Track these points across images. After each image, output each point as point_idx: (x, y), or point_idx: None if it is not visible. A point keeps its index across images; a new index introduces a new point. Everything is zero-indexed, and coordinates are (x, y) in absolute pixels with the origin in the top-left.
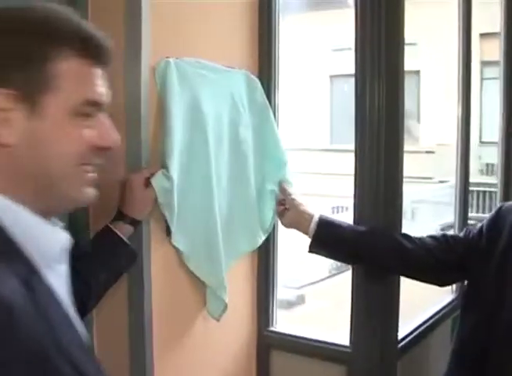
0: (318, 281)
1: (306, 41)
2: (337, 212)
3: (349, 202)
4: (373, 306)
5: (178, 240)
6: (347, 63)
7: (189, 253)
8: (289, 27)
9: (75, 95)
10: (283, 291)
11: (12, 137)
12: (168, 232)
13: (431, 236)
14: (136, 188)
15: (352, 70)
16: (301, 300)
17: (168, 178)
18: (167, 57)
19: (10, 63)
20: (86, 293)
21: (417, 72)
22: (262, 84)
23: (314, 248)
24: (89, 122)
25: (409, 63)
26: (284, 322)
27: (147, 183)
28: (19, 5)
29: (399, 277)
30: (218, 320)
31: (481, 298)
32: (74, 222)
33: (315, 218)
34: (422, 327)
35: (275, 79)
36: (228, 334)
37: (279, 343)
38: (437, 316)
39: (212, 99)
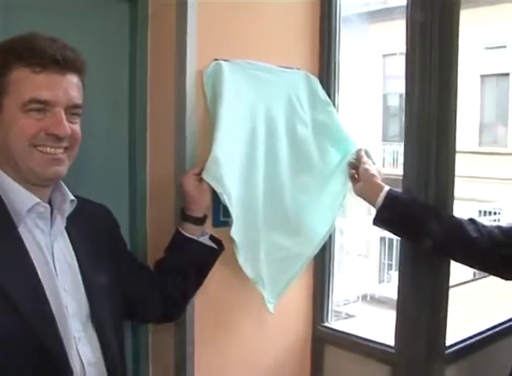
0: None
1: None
2: (484, 215)
3: (496, 206)
4: (420, 306)
5: (234, 231)
6: (500, 61)
7: (240, 245)
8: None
9: (22, 96)
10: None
11: None
12: (215, 223)
13: (499, 227)
14: (189, 187)
15: (505, 69)
16: None
17: (218, 165)
18: (216, 59)
19: None
20: (181, 288)
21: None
22: (322, 84)
23: (378, 221)
24: (40, 115)
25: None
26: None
27: (200, 179)
28: None
29: (449, 277)
30: (271, 313)
31: None
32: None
33: (384, 191)
34: (480, 336)
35: (336, 79)
36: (284, 326)
37: (333, 338)
38: (500, 328)
39: (265, 98)
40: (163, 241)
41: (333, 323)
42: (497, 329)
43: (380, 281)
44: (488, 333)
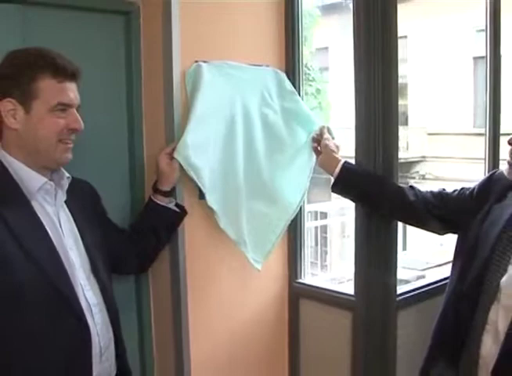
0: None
1: (449, 23)
2: None
3: None
4: (374, 259)
5: (210, 201)
6: None
7: (220, 212)
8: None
9: (51, 100)
10: (402, 271)
11: (16, 125)
12: (201, 196)
13: (431, 192)
14: (162, 164)
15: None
16: (417, 278)
17: (188, 146)
18: (196, 61)
19: (12, 83)
20: (154, 244)
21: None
22: (288, 77)
23: (334, 189)
24: (63, 115)
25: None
26: None
27: (171, 158)
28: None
29: (397, 233)
30: (258, 270)
31: (464, 249)
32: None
33: (340, 164)
34: (428, 287)
35: (300, 72)
36: (264, 283)
37: (306, 292)
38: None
39: (240, 92)
40: None
41: (305, 279)
42: (443, 282)
43: None
44: (435, 285)
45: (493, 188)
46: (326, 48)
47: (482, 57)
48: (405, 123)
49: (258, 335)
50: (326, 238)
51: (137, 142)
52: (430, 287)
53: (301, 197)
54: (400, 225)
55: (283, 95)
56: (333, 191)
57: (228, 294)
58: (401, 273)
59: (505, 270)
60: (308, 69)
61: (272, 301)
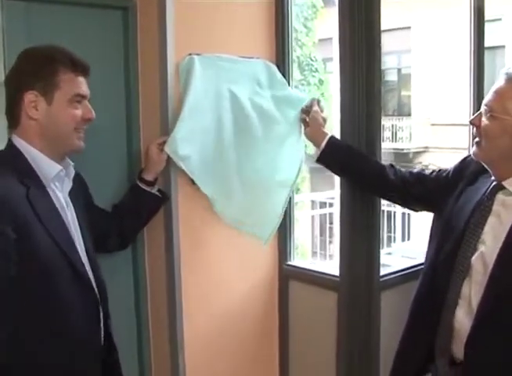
0: None
1: (452, 13)
2: None
3: None
4: (357, 240)
5: (202, 187)
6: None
7: (214, 197)
8: None
9: (70, 92)
10: (402, 260)
11: (37, 115)
12: (193, 181)
13: (410, 171)
14: (152, 152)
15: (501, 42)
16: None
17: (177, 140)
18: (190, 54)
19: (34, 77)
20: (135, 225)
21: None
22: (279, 68)
23: (320, 161)
24: (79, 105)
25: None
26: None
27: (161, 149)
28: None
29: (380, 216)
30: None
31: (439, 227)
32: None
33: (327, 138)
34: (410, 270)
35: (290, 64)
36: (255, 265)
37: (294, 274)
38: None
39: (231, 82)
40: None
41: (294, 261)
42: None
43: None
44: (419, 267)
45: (465, 171)
46: (330, 38)
47: (487, 48)
48: (409, 114)
49: (250, 314)
50: (332, 229)
51: (134, 133)
52: (414, 269)
53: (298, 172)
54: (402, 216)
55: (274, 85)
56: (317, 162)
57: (221, 274)
58: (401, 262)
59: (475, 248)
60: (312, 60)
61: (263, 283)
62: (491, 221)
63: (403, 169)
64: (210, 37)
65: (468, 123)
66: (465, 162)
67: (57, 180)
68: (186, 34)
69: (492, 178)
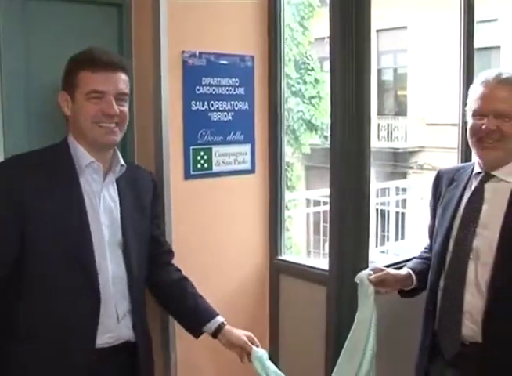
0: None
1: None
2: None
3: None
4: (346, 237)
5: None
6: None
7: None
8: None
9: (85, 88)
10: (392, 258)
11: (68, 112)
12: (186, 176)
13: (425, 247)
14: (240, 342)
15: (497, 43)
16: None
17: None
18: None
19: (65, 79)
20: (162, 301)
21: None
22: (270, 67)
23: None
24: (98, 101)
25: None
26: None
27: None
28: None
29: (369, 213)
30: None
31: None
32: None
33: (411, 274)
34: (398, 265)
35: (282, 62)
36: (247, 260)
37: (285, 268)
38: None
39: None
40: None
41: (285, 256)
42: None
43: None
44: (404, 264)
45: (441, 182)
46: (326, 38)
47: (482, 48)
48: (404, 113)
49: (241, 307)
50: (326, 227)
51: (128, 127)
52: (402, 265)
53: None
54: (395, 215)
55: None
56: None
57: (212, 269)
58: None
59: (475, 233)
60: (308, 58)
61: (254, 276)
62: (485, 207)
63: (426, 244)
64: (203, 34)
65: (463, 123)
66: (439, 176)
67: (93, 172)
68: (180, 31)
69: (475, 171)
